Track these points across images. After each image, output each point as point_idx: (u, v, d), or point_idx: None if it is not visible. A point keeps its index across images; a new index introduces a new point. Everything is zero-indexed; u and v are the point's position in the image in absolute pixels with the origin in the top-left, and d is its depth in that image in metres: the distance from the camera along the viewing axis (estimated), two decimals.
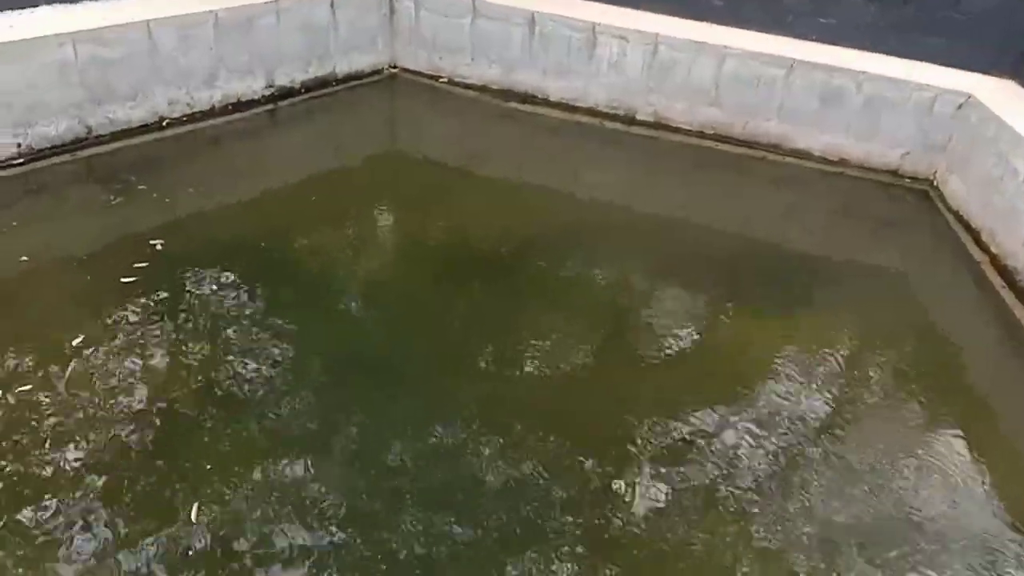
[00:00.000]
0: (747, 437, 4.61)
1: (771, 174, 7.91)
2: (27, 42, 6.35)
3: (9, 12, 6.79)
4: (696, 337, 5.53)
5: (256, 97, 8.05)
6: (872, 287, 6.36)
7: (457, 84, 9.08)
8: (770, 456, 4.51)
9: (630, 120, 8.51)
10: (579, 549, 3.83)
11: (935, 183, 7.62)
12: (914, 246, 7.10)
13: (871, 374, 5.31)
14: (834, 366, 5.32)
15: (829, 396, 5.03)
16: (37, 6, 6.99)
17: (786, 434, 4.67)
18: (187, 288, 5.36)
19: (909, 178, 7.76)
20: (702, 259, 6.46)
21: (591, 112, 8.63)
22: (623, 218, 7.02)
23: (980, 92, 7.25)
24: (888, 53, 7.82)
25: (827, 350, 5.44)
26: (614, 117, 8.56)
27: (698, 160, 8.08)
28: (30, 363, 4.63)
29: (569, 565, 3.76)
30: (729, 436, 4.62)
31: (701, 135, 8.30)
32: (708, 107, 8.19)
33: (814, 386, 5.09)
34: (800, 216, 7.40)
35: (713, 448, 4.51)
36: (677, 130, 8.38)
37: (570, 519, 3.98)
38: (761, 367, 5.22)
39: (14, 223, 5.85)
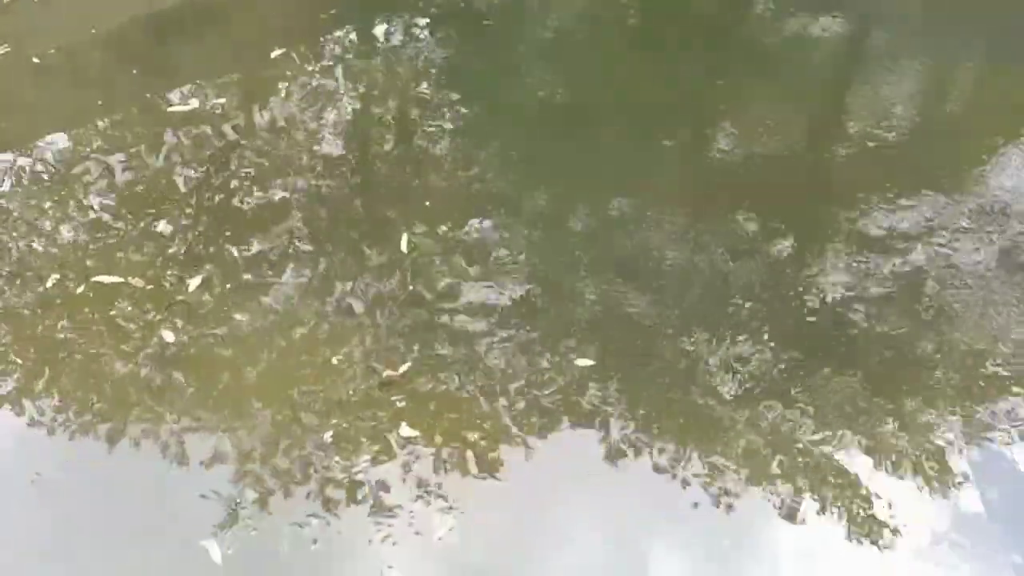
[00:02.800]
0: (969, 228, 4.07)
1: None
2: None
3: None
4: (936, 107, 4.92)
5: None
6: None
7: None
8: (993, 252, 3.97)
9: None
10: (763, 336, 3.57)
11: None
12: None
13: None
14: None
15: None
16: None
17: (999, 230, 4.08)
18: (379, 22, 5.10)
19: None
20: (970, 16, 5.37)
21: None
22: None
23: None
24: None
25: None
26: None
27: None
28: (223, 80, 4.60)
29: (750, 349, 3.51)
30: (947, 225, 4.07)
31: None
32: None
33: None
34: None
35: (927, 239, 4.02)
36: None
37: (757, 304, 3.69)
38: (998, 146, 4.52)
39: None
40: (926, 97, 4.95)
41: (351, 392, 3.16)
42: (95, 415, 3.07)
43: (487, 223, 4.00)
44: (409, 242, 3.79)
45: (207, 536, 2.72)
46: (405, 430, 3.00)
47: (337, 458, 2.96)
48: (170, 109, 4.37)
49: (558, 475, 3.05)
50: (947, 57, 5.23)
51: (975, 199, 4.22)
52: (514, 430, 3.13)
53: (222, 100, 4.45)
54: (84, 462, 2.99)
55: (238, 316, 3.42)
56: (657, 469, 3.08)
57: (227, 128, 4.30)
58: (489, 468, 2.99)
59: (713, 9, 5.52)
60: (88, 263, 3.56)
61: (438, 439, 3.05)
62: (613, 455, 3.10)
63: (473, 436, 3.07)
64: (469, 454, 3.01)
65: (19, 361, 3.20)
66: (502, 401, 3.21)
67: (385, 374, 3.17)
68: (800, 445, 3.16)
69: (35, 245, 3.63)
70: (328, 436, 2.99)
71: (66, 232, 3.70)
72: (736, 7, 5.56)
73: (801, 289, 3.79)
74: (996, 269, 3.90)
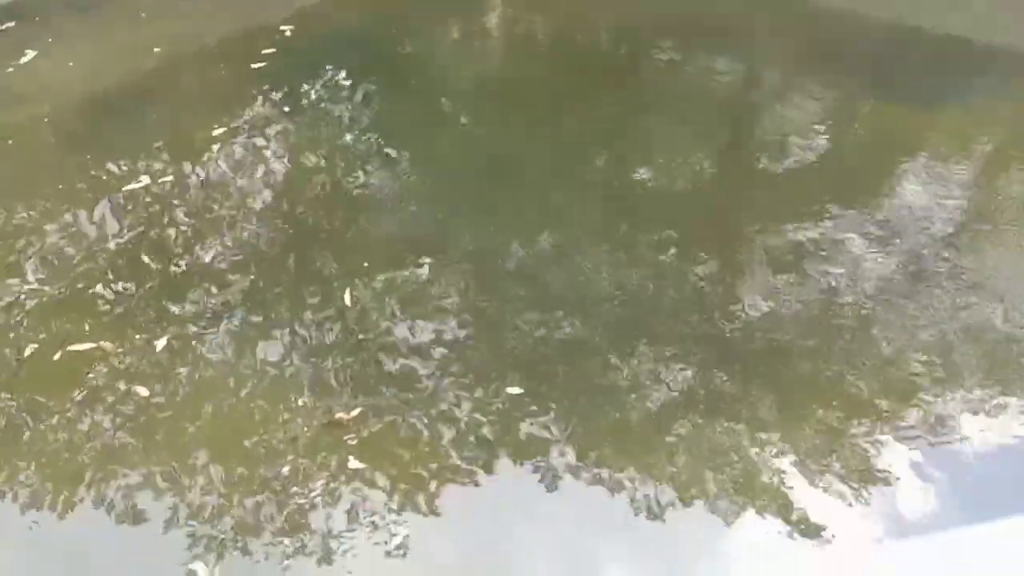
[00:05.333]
0: (872, 243, 4.37)
1: None
2: None
3: None
4: (831, 137, 5.23)
5: None
6: None
7: None
8: (894, 264, 4.27)
9: None
10: (690, 352, 3.77)
11: None
12: None
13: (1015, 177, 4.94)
14: (974, 167, 4.96)
15: (961, 200, 4.70)
16: None
17: (913, 240, 4.41)
18: (308, 80, 5.40)
19: None
20: (846, 49, 6.01)
21: None
22: (762, 2, 6.57)
23: None
24: None
25: (969, 148, 5.07)
26: None
27: None
28: (167, 155, 4.80)
29: (681, 368, 3.71)
30: (851, 242, 4.38)
31: None
32: None
33: (948, 190, 4.74)
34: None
35: (838, 254, 4.32)
36: None
37: (681, 323, 3.92)
38: (895, 167, 4.90)
39: (142, 14, 5.91)
40: (818, 130, 5.27)
41: (303, 433, 3.30)
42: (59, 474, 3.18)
43: (422, 268, 4.15)
44: (351, 294, 3.96)
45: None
46: (353, 463, 3.20)
47: (293, 490, 3.11)
48: (123, 186, 4.54)
49: (502, 503, 3.17)
50: (835, 94, 5.65)
51: (869, 220, 4.51)
52: (458, 463, 3.25)
53: (169, 171, 4.65)
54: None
55: (203, 370, 3.57)
56: (597, 491, 3.18)
57: (173, 196, 4.50)
58: (434, 500, 3.12)
59: (621, 58, 6.00)
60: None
61: (385, 473, 3.20)
62: (553, 480, 3.22)
63: (419, 469, 3.21)
64: (415, 486, 3.16)
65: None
66: (447, 434, 3.35)
67: (337, 416, 3.36)
68: (732, 457, 3.29)
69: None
70: (284, 470, 3.15)
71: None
72: (640, 54, 6.00)
73: (718, 310, 3.98)
74: (895, 282, 4.15)
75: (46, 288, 3.95)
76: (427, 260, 4.19)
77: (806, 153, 5.07)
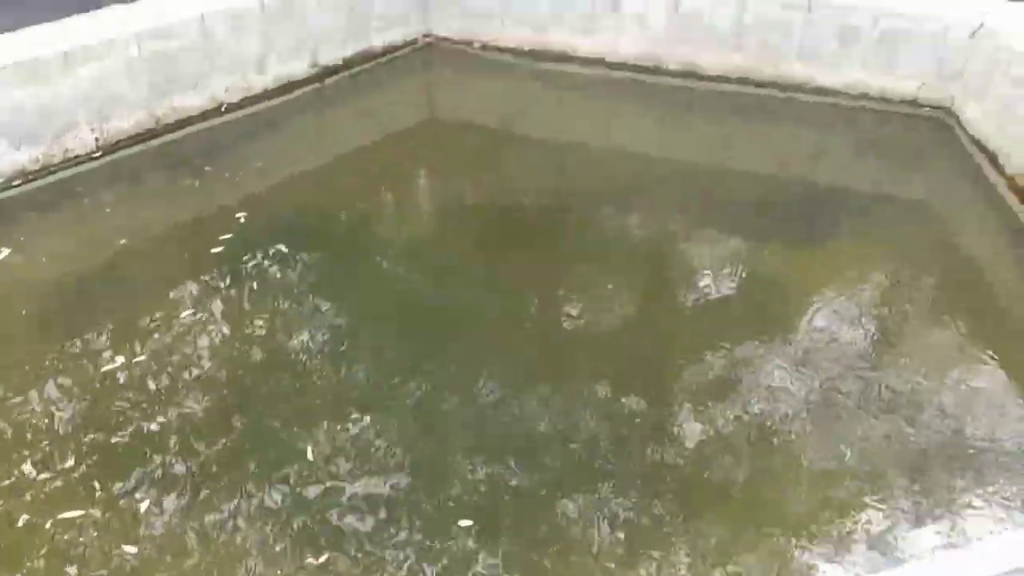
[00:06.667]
0: (791, 369, 4.89)
1: (797, 113, 8.28)
2: (99, 44, 6.90)
3: (76, 15, 7.32)
4: (734, 277, 5.92)
5: (304, 77, 8.55)
6: (900, 214, 6.81)
7: (490, 48, 9.49)
8: (814, 386, 4.77)
9: (659, 71, 8.88)
10: (632, 487, 4.09)
11: (952, 110, 7.94)
12: (936, 171, 7.51)
13: (905, 298, 5.73)
14: (870, 293, 5.73)
15: (867, 323, 5.37)
16: (100, 7, 7.52)
17: (827, 363, 4.96)
18: (261, 260, 5.88)
19: (928, 107, 8.06)
20: (737, 202, 6.88)
21: (620, 66, 9.00)
22: (658, 168, 7.46)
23: (991, 19, 7.54)
24: None
25: (862, 278, 5.86)
26: (644, 69, 8.92)
27: (727, 105, 8.47)
28: (136, 337, 5.19)
29: (623, 501, 4.01)
30: (774, 369, 4.89)
31: (727, 80, 8.65)
32: (733, 53, 8.55)
33: (853, 314, 5.42)
34: (826, 152, 7.80)
35: (759, 382, 4.80)
36: (703, 77, 8.74)
37: (622, 460, 4.25)
38: (801, 299, 5.57)
39: (107, 210, 6.46)
40: (724, 271, 5.98)
41: None
42: None
43: (364, 423, 4.45)
44: (299, 452, 4.25)
45: None
46: None
47: None
48: (94, 368, 4.86)
49: None
50: (734, 239, 6.44)
51: (790, 347, 5.08)
52: None
53: (140, 352, 4.98)
54: None
55: (145, 543, 3.85)
56: None
57: (141, 376, 4.80)
58: None
59: (544, 218, 6.63)
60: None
61: None
62: None
63: None
64: None
65: None
66: None
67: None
68: None
69: None
70: None
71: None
72: (561, 213, 6.71)
73: (653, 443, 4.35)
74: (815, 404, 4.62)
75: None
76: (370, 415, 4.50)
77: (718, 291, 5.74)
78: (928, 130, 7.91)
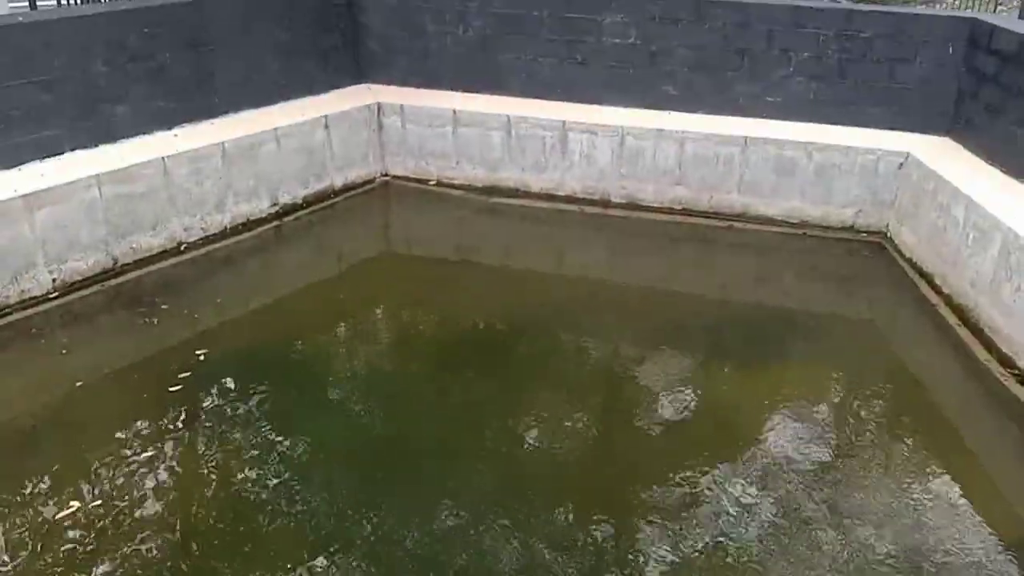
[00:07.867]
0: (750, 491, 4.97)
1: (739, 241, 8.65)
2: (60, 187, 7.03)
3: (37, 161, 7.46)
4: (689, 399, 6.06)
5: (262, 216, 8.74)
6: (844, 336, 7.08)
7: (445, 185, 9.83)
8: (775, 508, 4.84)
9: (605, 204, 9.26)
10: None
11: (888, 235, 8.36)
12: (876, 293, 7.82)
13: (854, 417, 5.86)
14: (820, 414, 5.87)
15: (820, 443, 5.49)
16: (62, 153, 7.67)
17: (786, 484, 5.05)
18: (219, 397, 5.91)
19: (865, 232, 8.49)
20: (686, 326, 7.10)
21: (569, 200, 9.37)
22: (608, 294, 7.70)
23: (918, 151, 8.04)
24: (832, 123, 8.63)
25: (812, 400, 6.00)
26: (591, 202, 9.30)
27: (671, 234, 8.83)
28: (94, 480, 5.12)
29: None
30: (733, 492, 4.97)
31: (671, 211, 9.04)
32: (675, 186, 8.96)
33: (805, 435, 5.55)
34: (770, 277, 8.12)
35: (718, 506, 4.86)
36: (648, 209, 9.13)
37: None
38: (753, 421, 5.70)
39: (63, 351, 6.43)
40: (687, 391, 6.13)
41: None
42: None
43: (321, 565, 4.40)
44: None
45: None
46: None
47: None
48: (51, 513, 4.76)
49: None
50: (700, 359, 6.65)
51: (747, 468, 5.16)
52: None
53: (98, 495, 4.89)
54: None
55: None
56: None
57: (101, 520, 4.70)
58: None
59: (498, 344, 6.76)
60: None
61: None
62: None
63: None
64: None
65: None
66: None
67: None
68: None
69: None
70: None
71: None
72: (515, 338, 6.85)
73: (617, 567, 4.37)
74: (777, 522, 4.70)
75: None
76: (326, 557, 4.46)
77: (674, 414, 5.84)
78: (867, 253, 8.29)
